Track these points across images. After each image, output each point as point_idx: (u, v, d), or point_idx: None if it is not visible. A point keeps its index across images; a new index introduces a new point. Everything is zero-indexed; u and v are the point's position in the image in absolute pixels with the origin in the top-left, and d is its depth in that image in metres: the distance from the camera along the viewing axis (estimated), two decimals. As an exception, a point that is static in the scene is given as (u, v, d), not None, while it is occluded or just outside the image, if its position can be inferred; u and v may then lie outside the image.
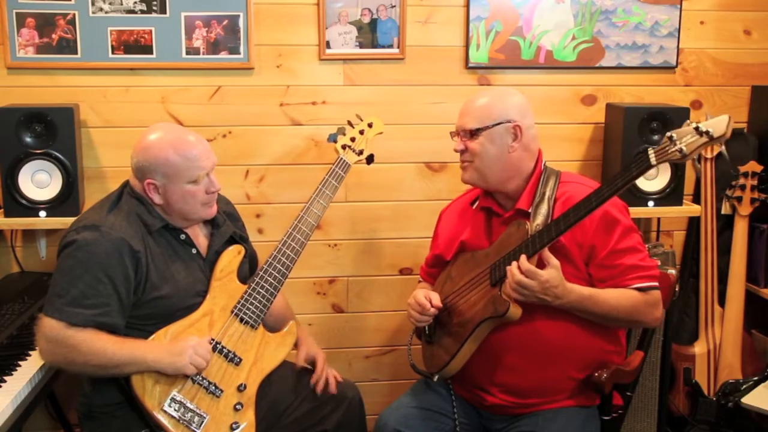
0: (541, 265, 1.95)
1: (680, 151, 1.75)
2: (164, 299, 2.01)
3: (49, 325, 1.90)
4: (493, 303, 2.02)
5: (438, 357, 2.16)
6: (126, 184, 2.11)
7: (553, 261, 1.94)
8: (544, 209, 2.06)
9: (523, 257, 1.94)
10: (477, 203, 2.26)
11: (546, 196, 2.09)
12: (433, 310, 2.14)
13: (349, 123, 2.47)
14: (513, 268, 1.95)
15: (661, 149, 1.79)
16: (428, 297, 2.16)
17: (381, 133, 2.49)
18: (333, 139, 2.44)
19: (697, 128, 1.74)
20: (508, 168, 2.13)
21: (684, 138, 1.76)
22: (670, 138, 1.77)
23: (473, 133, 2.12)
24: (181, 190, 2.03)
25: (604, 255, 2.04)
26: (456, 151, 2.17)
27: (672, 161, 1.82)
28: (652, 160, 1.81)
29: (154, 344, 1.97)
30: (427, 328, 2.21)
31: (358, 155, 2.42)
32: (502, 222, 2.17)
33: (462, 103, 2.22)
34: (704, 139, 1.73)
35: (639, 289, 2.03)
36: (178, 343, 1.97)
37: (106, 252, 1.93)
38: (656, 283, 2.06)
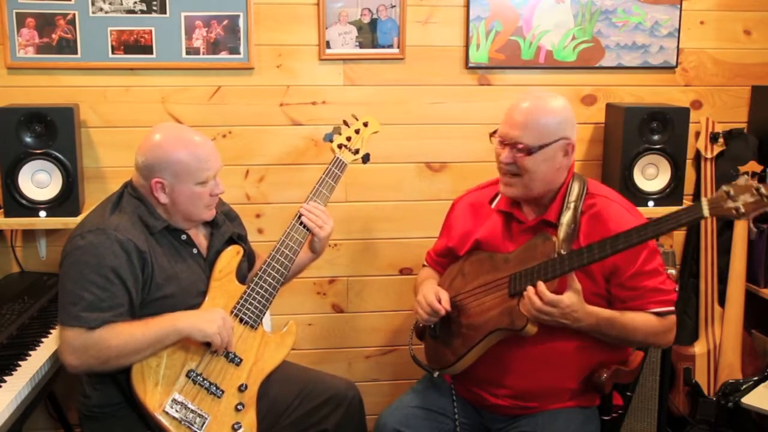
0: (562, 285, 1.92)
1: (737, 209, 1.71)
2: (168, 299, 2.01)
3: (71, 336, 1.89)
4: (509, 315, 1.99)
5: (443, 356, 2.15)
6: (127, 185, 2.11)
7: (576, 285, 1.90)
8: (569, 220, 2.02)
9: (541, 285, 1.90)
10: (496, 203, 2.21)
11: (573, 207, 2.05)
12: (444, 312, 2.11)
13: (345, 122, 2.47)
14: (532, 295, 1.90)
15: (716, 203, 1.73)
16: (438, 296, 2.12)
17: (377, 132, 2.49)
18: (329, 138, 2.43)
19: (758, 189, 1.69)
20: (550, 182, 2.07)
21: (742, 196, 1.71)
22: (728, 193, 1.72)
23: (531, 151, 2.01)
24: (189, 191, 2.04)
25: (628, 276, 2.01)
26: (503, 162, 2.05)
27: (726, 218, 1.79)
28: (705, 213, 1.75)
29: (179, 313, 1.98)
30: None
31: (355, 154, 2.42)
32: (523, 230, 2.12)
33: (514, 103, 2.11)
34: (764, 202, 1.69)
35: (657, 314, 2.02)
36: (208, 312, 2.02)
37: (115, 253, 1.93)
38: (673, 308, 2.04)
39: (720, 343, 3.00)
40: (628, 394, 2.22)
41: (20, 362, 2.06)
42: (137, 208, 2.04)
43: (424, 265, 2.43)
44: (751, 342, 3.03)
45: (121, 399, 2.00)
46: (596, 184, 2.18)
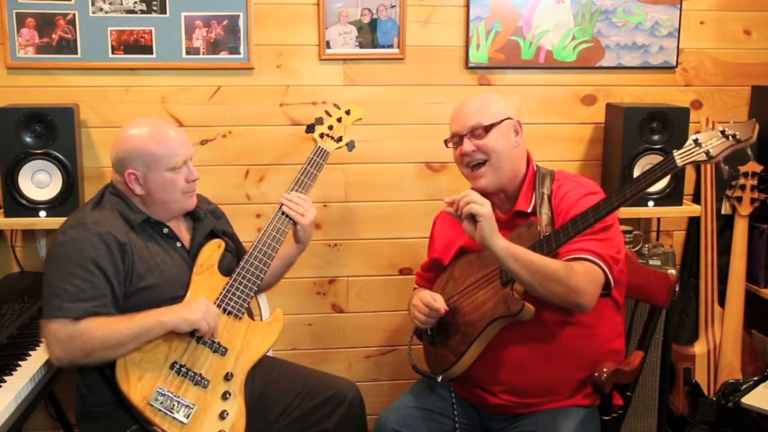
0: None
1: (707, 153, 1.79)
2: (150, 289, 2.03)
3: (55, 328, 1.91)
4: (504, 302, 2.01)
5: (444, 357, 2.16)
6: (107, 186, 2.15)
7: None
8: (546, 209, 2.08)
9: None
10: None
11: (545, 196, 2.11)
12: (443, 311, 2.12)
13: (327, 112, 2.50)
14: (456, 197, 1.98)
15: (686, 152, 1.82)
16: (434, 298, 2.15)
17: (360, 119, 2.52)
18: (311, 129, 2.46)
19: (723, 131, 1.78)
20: (515, 164, 2.16)
21: (710, 141, 1.79)
22: (695, 141, 1.80)
23: (488, 129, 2.13)
24: (162, 179, 2.06)
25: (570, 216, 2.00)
26: (465, 154, 2.15)
27: (698, 163, 1.85)
28: (678, 162, 1.83)
29: (163, 308, 1.99)
30: (429, 329, 2.20)
31: (337, 142, 2.45)
32: (499, 226, 2.15)
33: (457, 106, 2.23)
34: (731, 141, 1.77)
35: (574, 259, 1.97)
36: (190, 303, 2.03)
37: (94, 246, 1.95)
38: (598, 261, 1.97)
39: (720, 343, 3.00)
40: (628, 394, 2.22)
41: (20, 362, 2.06)
42: (117, 204, 2.08)
43: (415, 288, 2.43)
44: (751, 342, 3.03)
45: (115, 399, 2.00)
46: (562, 172, 2.23)
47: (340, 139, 2.45)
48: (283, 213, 2.26)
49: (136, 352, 1.96)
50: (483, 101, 2.19)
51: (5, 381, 1.95)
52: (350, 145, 2.47)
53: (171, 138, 2.09)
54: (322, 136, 2.43)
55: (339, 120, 2.47)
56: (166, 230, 2.13)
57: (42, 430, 2.83)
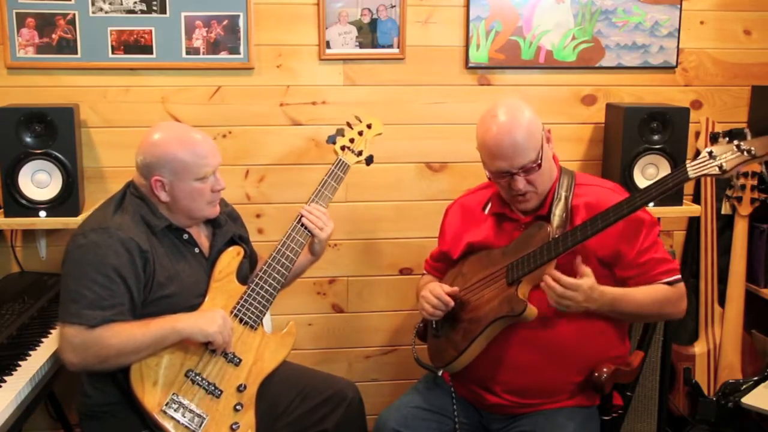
0: (571, 272, 1.94)
1: (720, 167, 1.77)
2: (169, 298, 2.02)
3: (71, 333, 1.90)
4: (508, 302, 2.01)
5: (445, 352, 2.16)
6: (129, 185, 2.12)
7: (586, 268, 1.92)
8: (561, 211, 2.07)
9: (556, 272, 1.91)
10: (489, 208, 2.24)
11: (563, 197, 2.09)
12: (451, 304, 2.12)
13: (348, 124, 2.48)
14: (551, 283, 1.91)
15: (700, 164, 1.81)
16: (445, 291, 2.14)
17: (380, 134, 2.49)
18: (332, 140, 2.44)
19: (738, 146, 1.76)
20: (554, 175, 2.13)
21: (724, 155, 1.78)
22: (710, 153, 1.79)
23: (540, 163, 2.04)
24: (189, 188, 2.04)
25: (633, 256, 2.04)
26: (519, 190, 2.06)
27: (710, 176, 1.83)
28: (690, 174, 1.82)
29: (179, 315, 1.99)
30: (434, 321, 2.20)
31: (357, 156, 2.42)
32: (516, 227, 2.15)
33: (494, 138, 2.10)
34: (745, 156, 1.76)
35: (668, 284, 2.05)
36: (208, 312, 2.02)
37: (116, 252, 1.93)
38: (680, 276, 2.07)
39: (720, 343, 3.00)
40: (628, 394, 2.22)
41: (20, 362, 2.06)
42: (139, 207, 2.05)
43: (423, 274, 2.44)
44: (751, 342, 3.03)
45: (120, 399, 2.00)
46: (584, 175, 2.22)
47: (360, 153, 2.42)
48: (302, 225, 2.25)
49: (153, 357, 1.96)
50: (518, 128, 2.02)
51: (5, 381, 1.95)
52: (369, 160, 2.45)
53: (203, 147, 2.06)
54: (343, 148, 2.41)
55: (360, 133, 2.44)
56: (186, 236, 2.11)
57: (42, 430, 2.83)
